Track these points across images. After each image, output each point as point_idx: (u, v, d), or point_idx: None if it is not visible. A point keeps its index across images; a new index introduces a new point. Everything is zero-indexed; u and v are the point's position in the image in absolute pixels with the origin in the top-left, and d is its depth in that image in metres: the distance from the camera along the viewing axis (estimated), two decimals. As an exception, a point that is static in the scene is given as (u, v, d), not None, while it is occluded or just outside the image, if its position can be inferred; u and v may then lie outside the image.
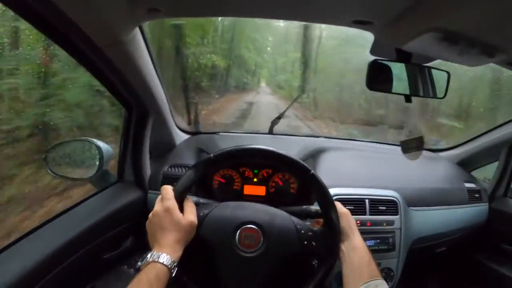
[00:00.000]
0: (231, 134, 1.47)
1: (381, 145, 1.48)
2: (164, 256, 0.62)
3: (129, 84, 0.88)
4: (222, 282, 0.72)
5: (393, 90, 0.87)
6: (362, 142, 1.51)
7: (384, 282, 0.65)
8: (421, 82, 0.91)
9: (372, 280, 0.65)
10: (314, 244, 0.73)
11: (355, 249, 0.72)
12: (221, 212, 0.75)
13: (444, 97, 0.94)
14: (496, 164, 1.32)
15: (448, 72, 0.92)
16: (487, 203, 1.28)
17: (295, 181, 1.11)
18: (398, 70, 0.87)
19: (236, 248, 0.71)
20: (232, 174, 1.11)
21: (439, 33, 0.59)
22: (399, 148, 1.40)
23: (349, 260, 0.71)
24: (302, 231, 0.73)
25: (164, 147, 1.21)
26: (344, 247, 0.73)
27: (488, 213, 1.27)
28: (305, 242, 0.73)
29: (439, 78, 0.93)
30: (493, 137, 1.28)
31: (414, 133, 0.94)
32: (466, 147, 1.38)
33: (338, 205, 0.78)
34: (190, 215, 0.70)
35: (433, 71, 0.90)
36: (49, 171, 0.98)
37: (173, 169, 1.09)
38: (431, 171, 1.28)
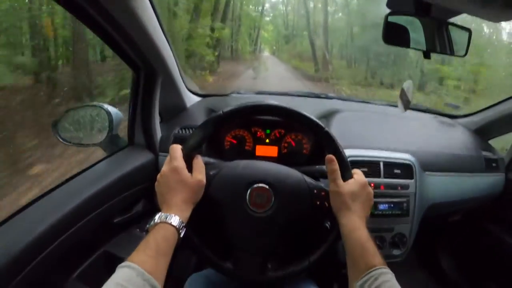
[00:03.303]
0: (243, 95, 1.44)
1: (396, 108, 1.43)
2: (172, 216, 0.61)
3: (135, 44, 0.85)
4: (231, 242, 0.71)
5: (413, 46, 0.84)
6: (377, 104, 1.46)
7: (386, 271, 0.57)
8: (441, 38, 0.87)
9: (372, 271, 0.56)
10: (327, 204, 0.71)
11: (356, 230, 0.64)
12: (231, 171, 0.74)
13: (465, 55, 0.90)
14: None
15: (469, 30, 0.88)
16: (504, 173, 1.24)
17: (307, 142, 1.09)
18: (416, 24, 0.83)
19: (247, 207, 0.70)
20: (244, 134, 1.09)
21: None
22: (414, 112, 1.38)
23: (349, 243, 0.64)
24: (315, 191, 0.72)
25: (174, 110, 1.19)
26: (346, 222, 0.66)
27: (504, 184, 1.23)
28: (318, 203, 0.71)
29: (460, 35, 0.88)
30: None
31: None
32: (484, 114, 1.32)
33: (359, 174, 0.73)
34: (198, 174, 0.68)
35: (454, 28, 0.86)
36: (58, 138, 0.98)
37: (184, 131, 1.08)
38: (448, 136, 1.24)
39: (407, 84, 1.16)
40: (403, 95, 1.13)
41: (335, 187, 0.68)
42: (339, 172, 0.70)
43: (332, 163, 0.70)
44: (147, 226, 0.62)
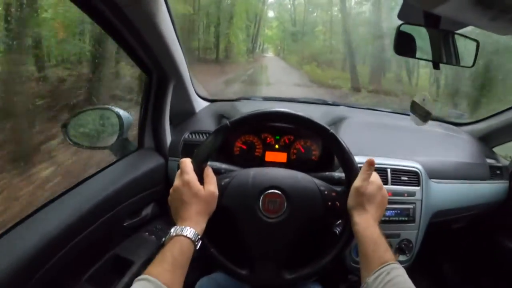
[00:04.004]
0: (252, 100, 1.45)
1: (404, 116, 1.44)
2: (187, 229, 0.62)
3: (149, 47, 0.86)
4: (247, 249, 0.72)
5: (420, 56, 0.86)
6: (384, 111, 1.47)
7: (397, 266, 0.59)
8: (449, 49, 0.88)
9: (385, 266, 0.58)
10: (338, 204, 0.73)
11: (369, 227, 0.66)
12: (242, 179, 0.75)
13: (472, 66, 0.91)
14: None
15: (477, 41, 0.89)
16: (508, 181, 1.25)
17: (316, 148, 1.10)
18: (426, 35, 0.84)
19: (260, 214, 0.71)
20: (254, 140, 1.10)
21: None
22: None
23: (363, 239, 0.65)
24: (325, 192, 0.73)
25: (184, 114, 1.20)
26: (360, 220, 0.67)
27: (508, 191, 1.25)
28: (329, 203, 0.73)
29: (468, 46, 0.90)
30: None
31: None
32: (489, 122, 1.34)
33: (376, 176, 0.73)
34: (210, 185, 0.69)
35: (462, 39, 0.87)
36: (68, 140, 0.98)
37: (193, 136, 1.09)
38: (453, 144, 1.26)
39: (421, 97, 1.12)
40: (417, 109, 1.05)
41: (360, 184, 0.69)
42: (371, 175, 0.71)
43: (371, 167, 0.70)
44: (163, 239, 0.63)
